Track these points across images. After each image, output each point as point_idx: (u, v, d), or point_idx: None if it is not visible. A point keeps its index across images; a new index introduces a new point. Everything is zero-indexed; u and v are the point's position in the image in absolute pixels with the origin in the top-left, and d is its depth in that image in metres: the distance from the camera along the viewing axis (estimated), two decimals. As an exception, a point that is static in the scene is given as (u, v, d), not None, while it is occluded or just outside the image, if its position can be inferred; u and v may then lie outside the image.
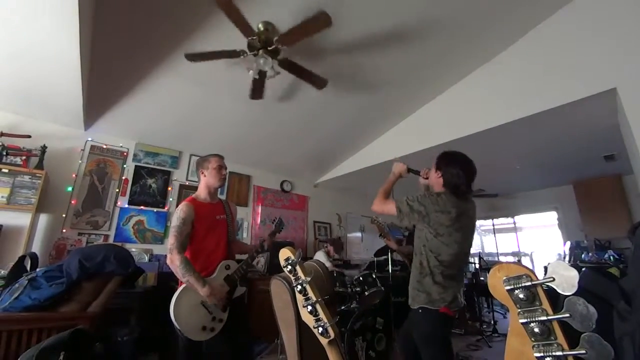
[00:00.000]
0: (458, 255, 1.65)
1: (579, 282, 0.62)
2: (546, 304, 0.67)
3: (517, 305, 0.71)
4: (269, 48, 2.35)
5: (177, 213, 1.82)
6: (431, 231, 1.64)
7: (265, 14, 2.35)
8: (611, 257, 4.23)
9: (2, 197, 2.76)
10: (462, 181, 1.66)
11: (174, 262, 1.71)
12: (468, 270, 5.63)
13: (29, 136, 3.03)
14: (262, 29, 2.36)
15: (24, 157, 2.96)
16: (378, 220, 2.37)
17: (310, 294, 0.98)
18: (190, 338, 1.70)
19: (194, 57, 2.41)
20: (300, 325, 1.29)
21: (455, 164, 1.70)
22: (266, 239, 2.21)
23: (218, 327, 1.77)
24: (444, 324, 1.64)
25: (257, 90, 2.83)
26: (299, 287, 1.00)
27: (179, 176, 4.21)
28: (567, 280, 0.63)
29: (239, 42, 2.34)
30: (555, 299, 0.69)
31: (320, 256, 4.21)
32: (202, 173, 2.01)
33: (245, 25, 2.17)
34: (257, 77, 2.58)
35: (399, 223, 1.69)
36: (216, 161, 2.01)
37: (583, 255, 4.58)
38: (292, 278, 1.02)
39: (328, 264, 3.98)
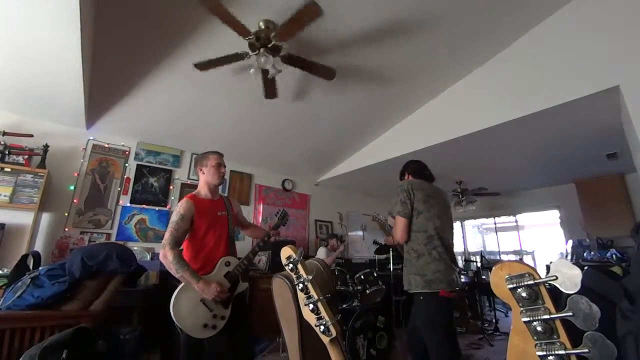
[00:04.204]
0: (442, 228, 1.86)
1: (581, 281, 0.61)
2: (549, 303, 0.67)
3: (520, 304, 0.71)
4: (269, 46, 2.35)
5: (177, 209, 1.81)
6: (414, 213, 1.88)
7: (265, 12, 2.34)
8: (614, 256, 4.21)
9: (5, 196, 2.77)
10: (420, 165, 2.15)
11: (167, 257, 1.69)
12: (470, 269, 5.64)
13: (31, 135, 3.04)
14: (262, 27, 2.36)
15: (26, 156, 2.98)
16: (379, 217, 2.37)
17: (312, 292, 0.98)
18: (192, 336, 1.70)
19: (203, 66, 2.48)
20: (302, 323, 1.29)
21: (409, 163, 2.23)
22: (271, 233, 2.15)
23: (220, 324, 1.77)
24: (445, 308, 1.75)
25: (270, 89, 2.83)
26: (301, 285, 1.00)
27: (180, 175, 4.22)
28: (570, 279, 0.62)
29: (240, 39, 2.33)
30: (558, 298, 0.69)
31: (321, 253, 4.22)
32: (201, 170, 1.99)
33: (240, 26, 2.19)
34: (269, 77, 2.57)
35: (407, 217, 1.89)
36: (215, 159, 1.99)
37: (585, 254, 4.56)
38: (294, 276, 1.02)
39: (329, 260, 3.98)
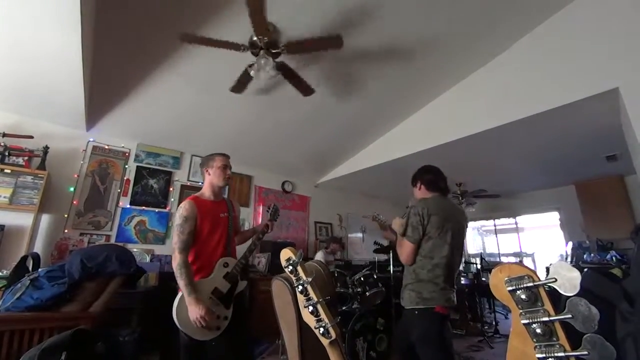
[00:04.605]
0: (449, 257, 1.76)
1: (580, 283, 0.61)
2: (548, 305, 0.67)
3: (519, 306, 0.71)
4: (273, 51, 2.36)
5: (179, 211, 1.81)
6: (424, 238, 1.77)
7: (274, 15, 2.33)
8: (613, 258, 4.21)
9: (5, 197, 2.77)
10: (437, 177, 1.95)
11: (175, 261, 1.71)
12: (470, 271, 5.63)
13: (32, 137, 3.04)
14: (269, 29, 2.36)
15: (26, 158, 2.98)
16: (379, 217, 2.35)
17: (312, 294, 0.98)
18: (195, 338, 1.69)
19: (190, 39, 2.28)
20: (302, 325, 1.29)
21: (424, 171, 2.01)
22: (263, 227, 2.12)
23: (224, 324, 1.77)
24: (440, 323, 1.71)
25: (242, 85, 2.80)
26: (300, 287, 1.00)
27: (180, 176, 4.22)
28: (569, 281, 0.62)
29: (242, 38, 2.34)
30: (557, 300, 0.69)
31: (319, 256, 4.22)
32: (207, 172, 1.99)
33: (230, 45, 2.22)
34: (252, 75, 2.56)
35: (416, 244, 1.79)
36: (221, 160, 1.99)
37: (585, 256, 4.56)
38: (294, 278, 1.02)
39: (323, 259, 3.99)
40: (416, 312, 1.72)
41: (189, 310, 1.65)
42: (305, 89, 2.84)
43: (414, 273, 1.79)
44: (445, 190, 1.96)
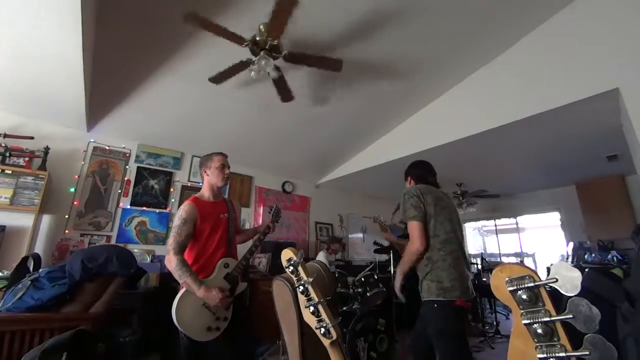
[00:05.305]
0: (454, 231, 1.82)
1: (582, 283, 0.61)
2: (549, 305, 0.67)
3: (520, 306, 0.71)
4: (267, 47, 2.36)
5: (179, 212, 1.80)
6: (427, 218, 1.81)
7: (263, 17, 2.32)
8: (614, 258, 4.21)
9: (5, 198, 2.78)
10: (425, 172, 2.08)
11: (171, 263, 1.70)
12: (470, 271, 5.62)
13: (32, 137, 3.04)
14: (263, 30, 2.37)
15: (27, 158, 2.98)
16: (380, 219, 2.36)
17: (313, 294, 0.98)
18: (195, 339, 1.69)
19: (217, 79, 2.61)
20: (302, 326, 1.29)
21: (414, 166, 2.16)
22: (265, 227, 2.12)
23: (223, 325, 1.77)
24: (459, 318, 1.69)
25: (283, 90, 2.83)
26: (301, 287, 1.00)
27: (181, 177, 4.22)
28: (570, 281, 0.62)
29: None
30: (559, 300, 0.69)
31: (321, 256, 4.22)
32: (205, 172, 1.99)
33: (233, 36, 2.22)
34: (272, 78, 2.59)
35: (422, 221, 1.80)
36: (219, 160, 1.99)
37: (586, 256, 4.56)
38: (294, 279, 1.02)
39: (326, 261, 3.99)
40: (435, 304, 1.67)
41: (208, 300, 1.68)
42: (286, 95, 2.85)
43: (428, 260, 1.75)
44: (434, 184, 2.05)
